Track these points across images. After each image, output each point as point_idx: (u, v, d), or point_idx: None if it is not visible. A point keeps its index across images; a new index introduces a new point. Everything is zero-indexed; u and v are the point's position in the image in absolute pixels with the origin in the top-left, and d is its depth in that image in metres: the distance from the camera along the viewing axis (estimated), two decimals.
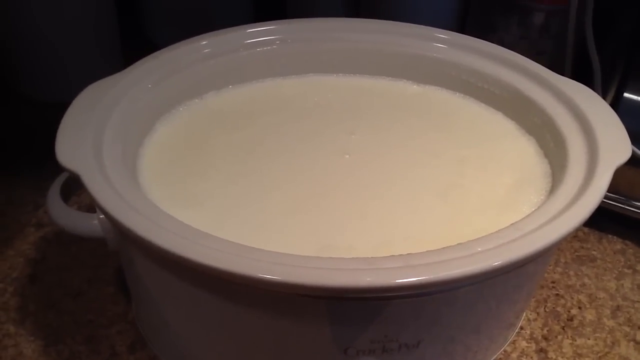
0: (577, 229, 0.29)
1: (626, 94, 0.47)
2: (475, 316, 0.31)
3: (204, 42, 0.39)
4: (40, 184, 0.41)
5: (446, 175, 0.35)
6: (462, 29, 0.58)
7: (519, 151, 0.37)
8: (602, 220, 0.49)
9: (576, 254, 0.47)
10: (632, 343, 0.41)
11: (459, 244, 0.27)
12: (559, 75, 0.39)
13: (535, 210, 0.30)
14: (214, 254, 0.26)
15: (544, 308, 0.43)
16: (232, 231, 0.31)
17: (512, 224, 0.29)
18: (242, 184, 0.34)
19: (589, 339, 0.41)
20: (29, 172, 0.49)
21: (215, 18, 0.60)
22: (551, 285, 0.45)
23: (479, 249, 0.27)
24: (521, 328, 0.41)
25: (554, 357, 0.39)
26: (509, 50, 0.41)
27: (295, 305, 0.28)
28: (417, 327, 0.29)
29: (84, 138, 0.31)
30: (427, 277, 0.25)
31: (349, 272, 0.25)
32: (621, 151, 0.32)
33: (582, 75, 0.52)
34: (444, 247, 0.27)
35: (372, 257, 0.26)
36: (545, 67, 0.41)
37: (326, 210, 0.33)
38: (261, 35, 0.41)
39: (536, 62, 0.41)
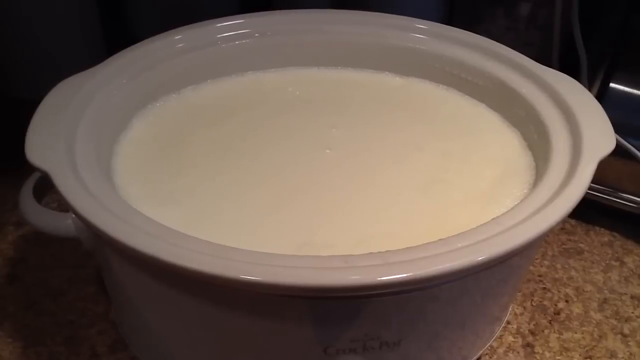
0: (560, 223, 0.29)
1: (612, 85, 0.47)
2: (458, 312, 0.31)
3: (179, 36, 0.38)
4: (20, 182, 0.40)
5: (429, 169, 0.35)
6: (449, 21, 0.58)
7: (503, 144, 0.37)
8: (589, 212, 0.49)
9: (563, 246, 0.47)
10: (619, 336, 0.41)
11: (439, 239, 0.27)
12: (544, 66, 0.39)
13: (517, 204, 0.30)
14: (187, 254, 0.25)
15: (531, 302, 0.42)
16: (209, 230, 0.30)
17: (493, 219, 0.28)
18: (221, 181, 0.33)
19: (576, 333, 0.40)
20: (8, 170, 0.48)
21: (203, 15, 0.59)
22: (538, 278, 0.44)
23: (459, 245, 0.26)
24: (508, 323, 0.41)
25: (540, 351, 0.39)
26: (493, 41, 0.40)
27: (272, 305, 0.27)
28: (398, 325, 0.29)
29: (55, 135, 0.30)
30: (405, 275, 0.25)
31: (326, 270, 0.25)
32: (605, 143, 0.32)
33: (569, 66, 0.51)
34: (423, 244, 0.26)
35: (349, 255, 0.26)
36: (533, 58, 0.40)
37: (306, 206, 0.32)
38: (240, 27, 0.40)
39: (523, 53, 0.41)
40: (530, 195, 0.30)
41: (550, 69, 0.38)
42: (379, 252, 0.26)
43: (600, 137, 0.32)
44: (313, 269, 0.25)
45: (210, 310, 0.28)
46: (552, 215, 0.28)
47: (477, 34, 0.53)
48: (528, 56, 0.40)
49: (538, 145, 0.35)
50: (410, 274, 0.25)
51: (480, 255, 0.26)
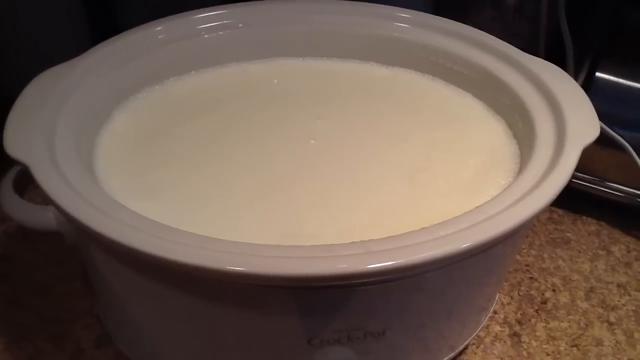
0: (543, 211, 0.28)
1: (598, 74, 0.47)
2: (444, 301, 0.31)
3: (160, 27, 0.38)
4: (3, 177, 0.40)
5: (414, 158, 0.35)
6: (436, 12, 0.57)
7: (488, 132, 0.37)
8: (577, 202, 0.49)
9: (550, 236, 0.47)
10: (605, 324, 0.41)
11: (422, 228, 0.26)
12: (529, 55, 0.38)
13: (501, 192, 0.30)
14: (169, 246, 0.25)
15: (518, 292, 0.43)
16: (193, 222, 0.30)
17: (476, 207, 0.28)
18: (204, 173, 0.33)
19: (562, 322, 0.41)
20: None
21: (190, 5, 0.58)
22: (525, 268, 0.44)
23: (442, 233, 0.26)
24: (495, 312, 0.41)
25: (527, 340, 0.39)
26: (478, 30, 0.40)
27: (255, 296, 0.27)
28: (383, 315, 0.29)
29: (34, 128, 0.30)
30: (387, 264, 0.24)
31: (309, 260, 0.25)
32: (589, 131, 0.32)
33: (556, 56, 0.51)
34: (406, 232, 0.26)
35: (332, 245, 0.25)
36: (520, 48, 0.40)
37: (290, 197, 0.32)
38: (223, 18, 0.40)
39: (510, 43, 0.41)
40: (514, 183, 0.30)
41: (536, 58, 0.38)
42: (361, 241, 0.26)
43: (584, 125, 0.32)
44: (295, 258, 0.24)
45: (195, 302, 0.28)
46: (535, 202, 0.28)
47: (464, 24, 0.53)
48: (515, 46, 0.40)
49: (523, 134, 0.35)
50: (392, 262, 0.24)
51: (462, 243, 0.25)
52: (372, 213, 0.31)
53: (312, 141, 0.35)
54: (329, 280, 0.25)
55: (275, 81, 0.40)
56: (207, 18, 0.39)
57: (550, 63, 0.38)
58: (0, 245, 0.43)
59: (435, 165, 0.34)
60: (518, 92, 0.36)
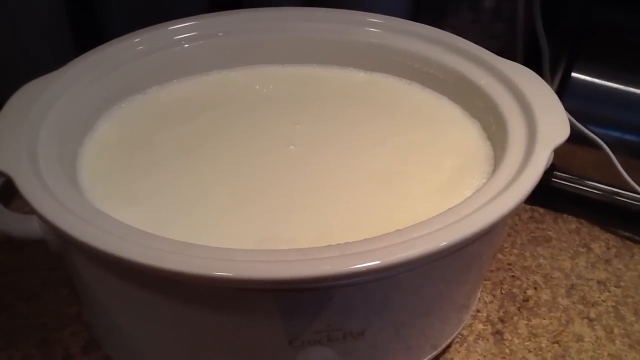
0: (515, 210, 0.29)
1: (574, 74, 0.48)
2: (422, 300, 0.32)
3: (139, 39, 0.39)
4: None
5: (390, 162, 0.35)
6: (415, 15, 0.58)
7: (463, 135, 0.37)
8: (557, 200, 0.50)
9: (532, 235, 0.48)
10: (585, 320, 0.41)
11: (395, 230, 0.27)
12: (502, 58, 0.39)
13: (473, 193, 0.30)
14: (147, 252, 0.25)
15: (500, 290, 0.43)
16: (171, 229, 0.30)
17: (449, 209, 0.29)
18: (185, 180, 0.34)
19: (544, 319, 0.41)
20: None
21: (173, 14, 0.59)
22: (507, 267, 0.45)
23: (415, 235, 0.27)
24: (478, 311, 0.41)
25: (509, 338, 0.40)
26: (453, 35, 0.41)
27: (235, 300, 0.27)
28: (360, 315, 0.29)
29: (17, 139, 0.31)
30: (361, 265, 0.25)
31: (285, 263, 0.25)
32: (559, 132, 0.33)
33: (534, 56, 0.52)
34: (380, 235, 0.27)
35: (308, 248, 0.26)
36: (498, 50, 0.41)
37: (269, 203, 0.32)
38: (202, 27, 0.40)
39: (488, 45, 0.42)
40: (486, 184, 0.31)
41: (510, 61, 0.39)
42: (338, 244, 0.26)
43: (555, 126, 0.33)
44: (272, 262, 0.25)
45: (177, 306, 0.28)
46: (506, 203, 0.29)
47: (443, 27, 0.54)
48: (493, 48, 0.41)
49: (497, 136, 0.36)
50: (367, 264, 0.25)
51: (434, 244, 0.26)
52: (350, 216, 0.32)
53: (292, 147, 0.36)
54: (306, 282, 0.25)
55: (256, 88, 0.41)
56: (185, 28, 0.40)
57: (523, 66, 0.39)
58: None
59: (411, 168, 0.35)
60: (492, 95, 0.37)
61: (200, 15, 0.41)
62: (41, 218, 0.28)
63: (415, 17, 0.58)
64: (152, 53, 0.39)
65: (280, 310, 0.28)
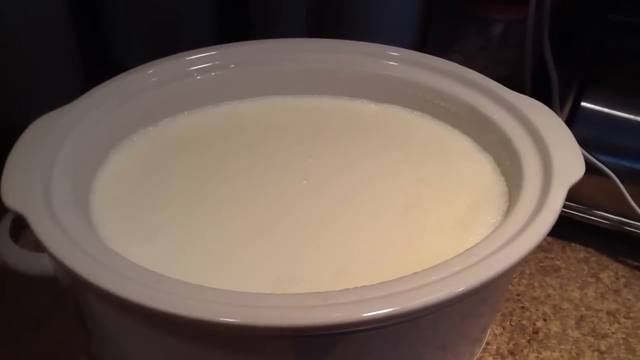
0: (533, 251, 0.29)
1: (584, 103, 0.48)
2: (437, 336, 0.31)
3: (152, 70, 0.38)
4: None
5: (404, 195, 0.35)
6: (423, 41, 0.58)
7: (477, 169, 0.37)
8: (565, 229, 0.50)
9: (540, 264, 0.48)
10: (596, 353, 0.41)
11: (413, 273, 0.27)
12: (514, 92, 0.39)
13: (490, 233, 0.30)
14: (164, 297, 0.25)
15: (510, 322, 0.43)
16: (186, 266, 0.30)
17: (467, 250, 0.28)
18: (198, 215, 0.34)
19: (554, 351, 0.41)
20: None
21: (182, 42, 0.59)
22: (516, 297, 0.45)
23: (433, 278, 0.27)
24: (487, 343, 0.41)
25: None
26: (464, 67, 0.41)
27: (249, 343, 0.27)
28: (377, 354, 0.29)
29: (31, 175, 0.31)
30: (380, 312, 0.25)
31: (305, 310, 0.25)
32: (575, 169, 0.33)
33: (542, 84, 0.53)
34: (398, 278, 0.27)
35: (326, 292, 0.26)
36: (506, 76, 0.41)
37: (284, 239, 0.32)
38: (215, 59, 0.40)
39: (496, 72, 0.42)
40: (502, 224, 0.31)
41: (521, 95, 0.39)
42: (355, 287, 0.26)
43: (570, 163, 0.33)
44: (291, 308, 0.25)
45: (189, 349, 0.28)
46: (524, 245, 0.28)
47: (451, 53, 0.54)
48: (501, 74, 0.41)
49: (510, 172, 0.36)
50: (386, 310, 0.25)
51: (454, 288, 0.26)
52: (366, 252, 0.32)
53: (305, 181, 0.36)
54: (325, 329, 0.25)
55: (268, 119, 0.41)
56: (198, 59, 0.40)
57: (535, 100, 0.39)
58: None
59: (425, 202, 0.35)
60: (504, 129, 0.37)
61: (214, 46, 0.40)
62: (54, 259, 0.28)
63: (423, 43, 0.58)
64: (164, 84, 0.39)
65: (296, 354, 0.27)
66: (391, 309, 0.25)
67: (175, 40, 0.57)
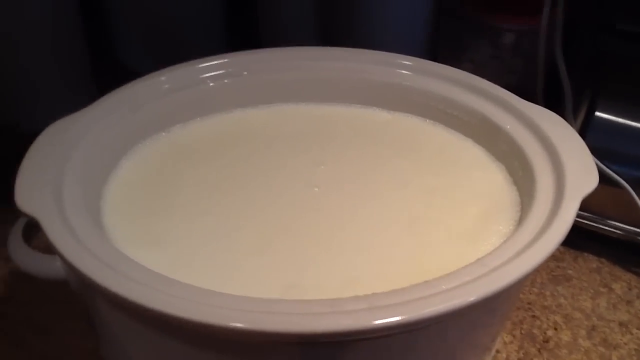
0: (544, 262, 0.29)
1: (597, 113, 0.47)
2: (447, 345, 0.31)
3: (164, 77, 0.39)
4: (9, 217, 0.40)
5: (414, 206, 0.35)
6: (434, 50, 0.58)
7: (488, 179, 0.37)
8: (577, 238, 0.49)
9: (552, 273, 0.47)
10: None
11: (424, 282, 0.27)
12: (526, 102, 0.39)
13: (502, 243, 0.30)
14: (173, 301, 0.25)
15: (520, 330, 0.43)
16: (196, 272, 0.30)
17: (478, 260, 0.28)
18: (208, 221, 0.34)
19: None
20: None
21: (188, 40, 0.60)
22: (527, 306, 0.45)
23: (444, 287, 0.26)
24: (497, 352, 0.41)
25: None
26: (476, 76, 0.41)
27: (258, 350, 0.27)
28: None
29: (43, 180, 0.31)
30: (390, 319, 0.25)
31: (313, 316, 0.25)
32: (587, 181, 0.32)
33: (553, 93, 0.52)
34: (408, 286, 0.27)
35: (335, 299, 0.26)
36: (517, 85, 0.41)
37: (293, 247, 0.32)
38: (227, 66, 0.40)
39: (507, 81, 0.41)
40: (514, 234, 0.30)
41: (532, 104, 0.39)
42: (365, 295, 0.26)
43: (583, 175, 0.33)
44: (300, 314, 0.25)
45: (197, 354, 0.28)
46: (536, 256, 0.28)
47: (462, 62, 0.54)
48: (512, 83, 0.41)
49: (523, 182, 0.36)
50: (396, 318, 0.25)
51: (464, 298, 0.26)
52: (375, 262, 0.31)
53: (316, 189, 0.36)
54: (333, 336, 0.25)
55: (279, 126, 0.41)
56: (210, 67, 0.40)
57: (546, 109, 0.39)
58: (4, 285, 0.44)
59: (436, 212, 0.35)
60: (516, 139, 0.37)
61: (226, 54, 0.41)
62: (65, 262, 0.28)
63: (434, 52, 0.58)
64: (176, 91, 0.39)
65: None
66: (401, 317, 0.25)
67: (181, 42, 0.57)
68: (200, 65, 0.40)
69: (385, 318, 0.25)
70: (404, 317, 0.25)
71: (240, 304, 0.25)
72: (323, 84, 0.42)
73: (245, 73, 0.41)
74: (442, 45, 0.59)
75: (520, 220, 0.33)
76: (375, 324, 0.25)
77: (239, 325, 0.24)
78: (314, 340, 0.26)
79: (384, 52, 0.42)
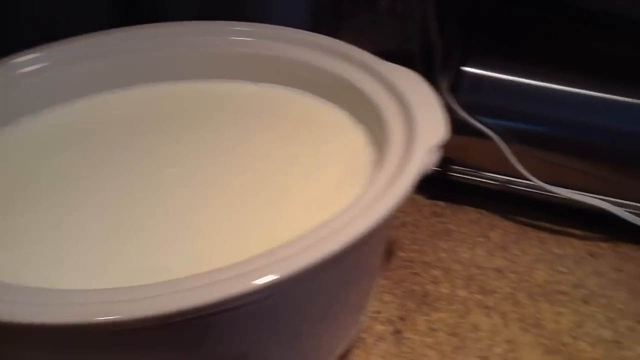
0: (389, 218, 0.30)
1: (464, 68, 0.49)
2: (311, 309, 0.31)
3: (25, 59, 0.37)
4: None
5: (273, 176, 0.35)
6: (316, 19, 0.58)
7: (351, 142, 0.38)
8: (457, 193, 0.52)
9: (433, 229, 0.49)
10: (482, 309, 0.43)
11: (266, 251, 0.27)
12: (388, 63, 0.40)
13: (349, 204, 0.31)
14: (16, 308, 0.24)
15: (401, 289, 0.44)
16: (45, 270, 0.29)
17: (322, 223, 0.29)
18: (60, 217, 0.32)
19: (443, 313, 0.43)
20: None
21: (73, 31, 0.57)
22: (408, 264, 0.46)
23: (283, 254, 0.27)
24: (378, 312, 0.42)
25: (409, 336, 0.41)
26: (338, 41, 0.41)
27: (111, 340, 0.27)
28: (250, 335, 0.29)
29: None
30: (227, 293, 0.25)
31: (149, 300, 0.25)
32: (436, 131, 0.33)
33: (431, 52, 0.54)
34: (250, 257, 0.27)
35: (175, 279, 0.26)
36: (396, 49, 0.41)
37: (145, 231, 0.31)
38: (81, 49, 0.39)
39: (387, 45, 0.42)
40: (364, 194, 0.31)
41: (394, 65, 0.40)
42: (206, 272, 0.26)
43: (432, 125, 0.34)
44: (133, 300, 0.24)
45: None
46: (379, 212, 0.29)
47: (342, 29, 0.54)
48: (391, 47, 0.42)
49: (381, 141, 0.36)
50: (231, 291, 0.25)
51: (302, 262, 0.26)
52: (228, 238, 0.31)
53: (172, 169, 0.35)
54: (172, 317, 0.25)
55: (137, 109, 0.39)
56: (63, 50, 0.38)
57: (408, 70, 0.39)
58: None
59: (295, 180, 0.35)
60: (375, 99, 0.37)
61: (79, 36, 0.39)
62: None
63: (316, 20, 0.58)
64: (22, 79, 0.37)
65: (164, 346, 0.27)
66: (241, 288, 0.25)
67: (65, 27, 0.54)
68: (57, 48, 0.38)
69: (224, 292, 0.25)
70: (244, 287, 0.25)
71: (68, 298, 0.25)
72: (183, 60, 0.41)
73: (101, 55, 0.39)
74: (322, 13, 0.59)
75: (371, 179, 0.34)
76: (214, 299, 0.25)
77: (63, 321, 0.24)
78: (156, 323, 0.26)
79: (245, 23, 0.42)
